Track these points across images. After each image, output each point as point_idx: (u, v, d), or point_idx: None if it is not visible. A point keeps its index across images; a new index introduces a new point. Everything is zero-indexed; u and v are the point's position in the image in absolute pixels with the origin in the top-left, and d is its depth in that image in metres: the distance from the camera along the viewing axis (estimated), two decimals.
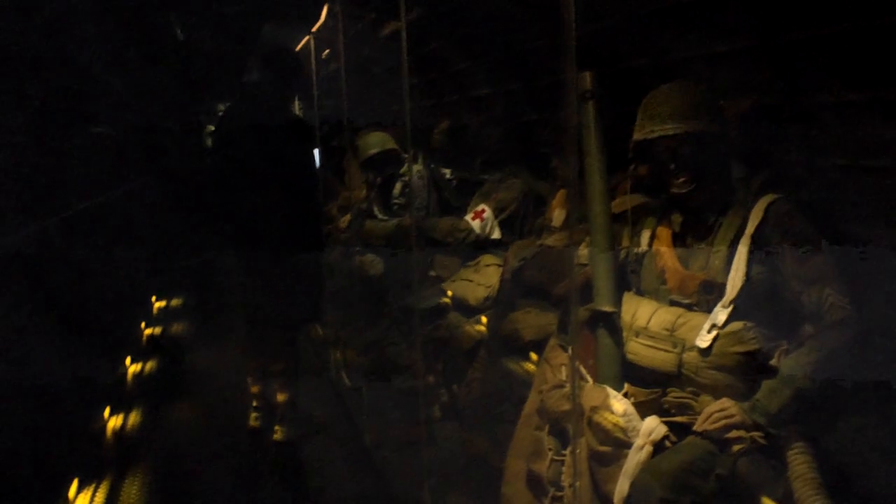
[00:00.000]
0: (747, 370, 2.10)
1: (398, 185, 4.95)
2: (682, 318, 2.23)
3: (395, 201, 4.96)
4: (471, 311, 3.78)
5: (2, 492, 2.95)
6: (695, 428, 2.08)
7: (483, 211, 4.05)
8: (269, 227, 3.94)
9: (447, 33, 4.70)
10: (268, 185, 3.94)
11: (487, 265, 3.94)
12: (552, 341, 2.62)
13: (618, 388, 2.26)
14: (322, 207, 4.63)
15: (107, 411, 4.67)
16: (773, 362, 2.10)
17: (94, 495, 3.68)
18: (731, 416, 2.03)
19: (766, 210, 2.17)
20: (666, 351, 2.22)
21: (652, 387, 2.24)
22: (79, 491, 3.70)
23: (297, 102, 7.70)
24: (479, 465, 3.35)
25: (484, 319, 3.63)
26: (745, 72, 2.66)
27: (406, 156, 4.85)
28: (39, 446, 3.43)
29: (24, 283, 3.47)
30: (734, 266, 2.17)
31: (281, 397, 4.26)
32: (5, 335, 3.22)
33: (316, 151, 4.81)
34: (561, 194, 3.67)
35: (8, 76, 3.57)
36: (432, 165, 4.80)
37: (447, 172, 4.81)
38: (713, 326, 2.14)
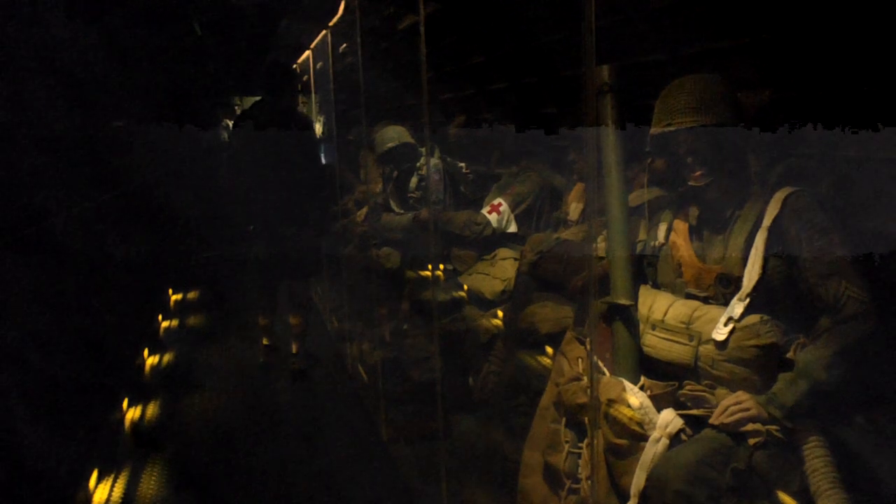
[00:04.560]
0: (764, 363, 2.10)
1: (414, 179, 4.97)
2: (699, 312, 2.23)
3: (412, 195, 4.97)
4: (487, 305, 3.79)
5: (22, 484, 3.00)
6: (711, 421, 2.08)
7: (499, 204, 4.06)
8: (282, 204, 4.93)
9: (464, 26, 4.70)
10: (279, 171, 4.91)
11: (504, 259, 3.95)
12: (569, 334, 2.62)
13: (634, 381, 2.27)
14: (327, 189, 5.46)
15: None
16: (789, 355, 2.10)
17: None
18: (748, 409, 2.03)
19: (783, 203, 2.16)
20: (682, 344, 2.22)
21: (668, 380, 2.24)
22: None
23: (313, 97, 7.75)
24: (495, 458, 3.36)
25: (500, 313, 3.64)
26: (763, 64, 2.65)
27: (423, 149, 4.87)
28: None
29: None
30: (751, 259, 2.17)
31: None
32: (28, 326, 3.26)
33: (319, 144, 5.71)
34: (578, 188, 3.68)
35: (24, 68, 3.61)
36: (449, 159, 4.80)
37: (463, 166, 4.82)
38: (730, 319, 2.14)
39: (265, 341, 5.48)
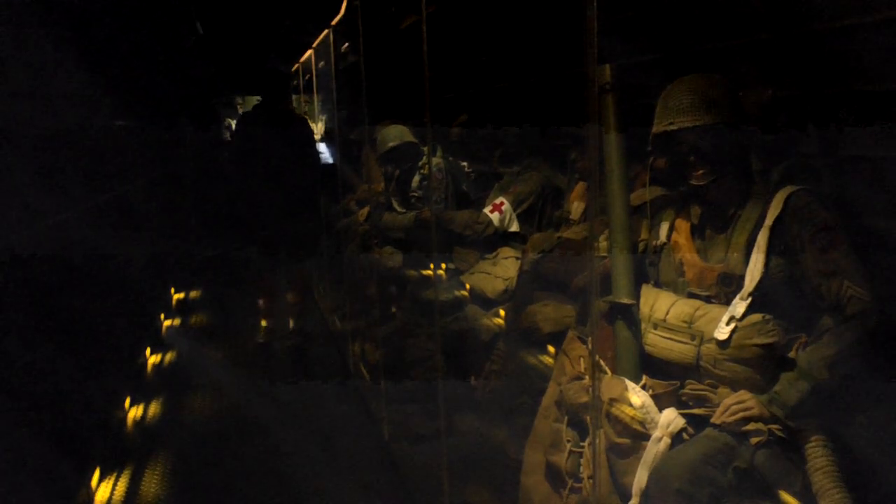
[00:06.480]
0: (766, 362, 2.10)
1: (416, 178, 4.97)
2: (701, 311, 2.23)
3: (414, 194, 4.97)
4: (489, 304, 3.79)
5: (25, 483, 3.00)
6: (713, 420, 2.08)
7: (501, 203, 4.05)
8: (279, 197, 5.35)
9: (467, 26, 4.70)
10: (277, 167, 5.35)
11: (506, 258, 3.95)
12: (571, 333, 2.62)
13: (636, 380, 2.27)
14: (319, 185, 5.84)
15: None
16: (791, 355, 2.10)
17: None
18: (750, 408, 2.03)
19: (786, 202, 2.16)
20: (684, 343, 2.22)
21: (670, 379, 2.24)
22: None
23: (315, 97, 7.76)
24: (497, 457, 3.36)
25: (502, 312, 3.64)
26: (765, 63, 2.65)
27: (424, 149, 4.87)
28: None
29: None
30: (753, 258, 2.17)
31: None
32: (26, 327, 3.26)
33: (317, 142, 6.18)
34: (580, 187, 3.67)
35: (27, 65, 3.61)
36: (451, 158, 4.80)
37: (465, 165, 4.82)
38: (731, 318, 2.14)
39: (264, 322, 5.83)
